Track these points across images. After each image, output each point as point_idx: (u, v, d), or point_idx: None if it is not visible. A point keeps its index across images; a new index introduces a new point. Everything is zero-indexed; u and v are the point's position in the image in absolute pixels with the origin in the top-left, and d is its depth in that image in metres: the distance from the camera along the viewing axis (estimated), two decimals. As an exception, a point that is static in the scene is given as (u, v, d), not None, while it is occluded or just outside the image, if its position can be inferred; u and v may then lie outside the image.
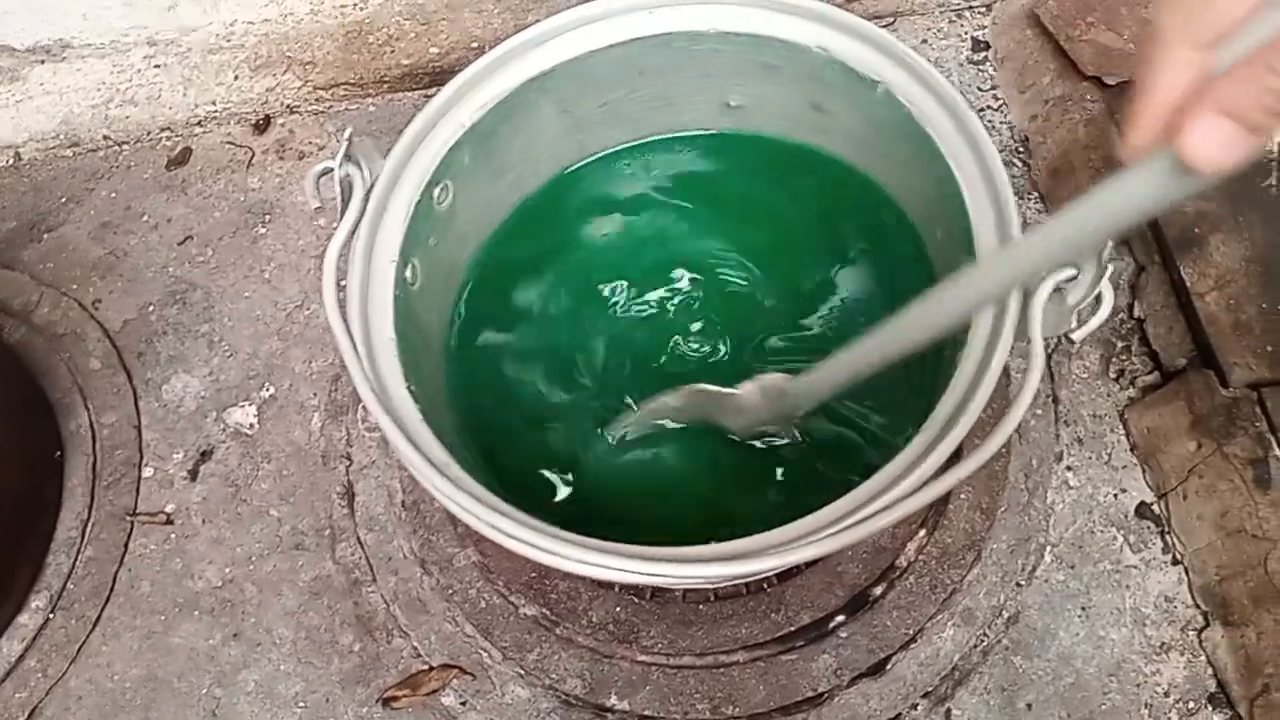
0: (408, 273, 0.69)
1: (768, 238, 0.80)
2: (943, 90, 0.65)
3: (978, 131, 0.63)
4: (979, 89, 0.95)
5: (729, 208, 0.82)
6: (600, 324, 0.78)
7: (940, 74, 0.65)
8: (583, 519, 0.70)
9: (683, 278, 0.79)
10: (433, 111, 0.69)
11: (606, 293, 0.79)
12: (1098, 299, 0.56)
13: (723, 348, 0.76)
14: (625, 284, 0.80)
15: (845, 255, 0.78)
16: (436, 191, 0.71)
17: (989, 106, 0.94)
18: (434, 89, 1.03)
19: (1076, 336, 0.56)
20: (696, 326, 0.77)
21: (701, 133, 0.82)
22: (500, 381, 0.77)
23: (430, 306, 0.72)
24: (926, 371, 0.67)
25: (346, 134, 0.65)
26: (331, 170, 0.65)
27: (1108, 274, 0.55)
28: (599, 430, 0.74)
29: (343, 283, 0.63)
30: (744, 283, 0.78)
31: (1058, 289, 0.57)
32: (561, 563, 0.55)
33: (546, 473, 0.74)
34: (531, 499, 0.72)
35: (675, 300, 0.78)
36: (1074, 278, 0.57)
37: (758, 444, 0.71)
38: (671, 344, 0.76)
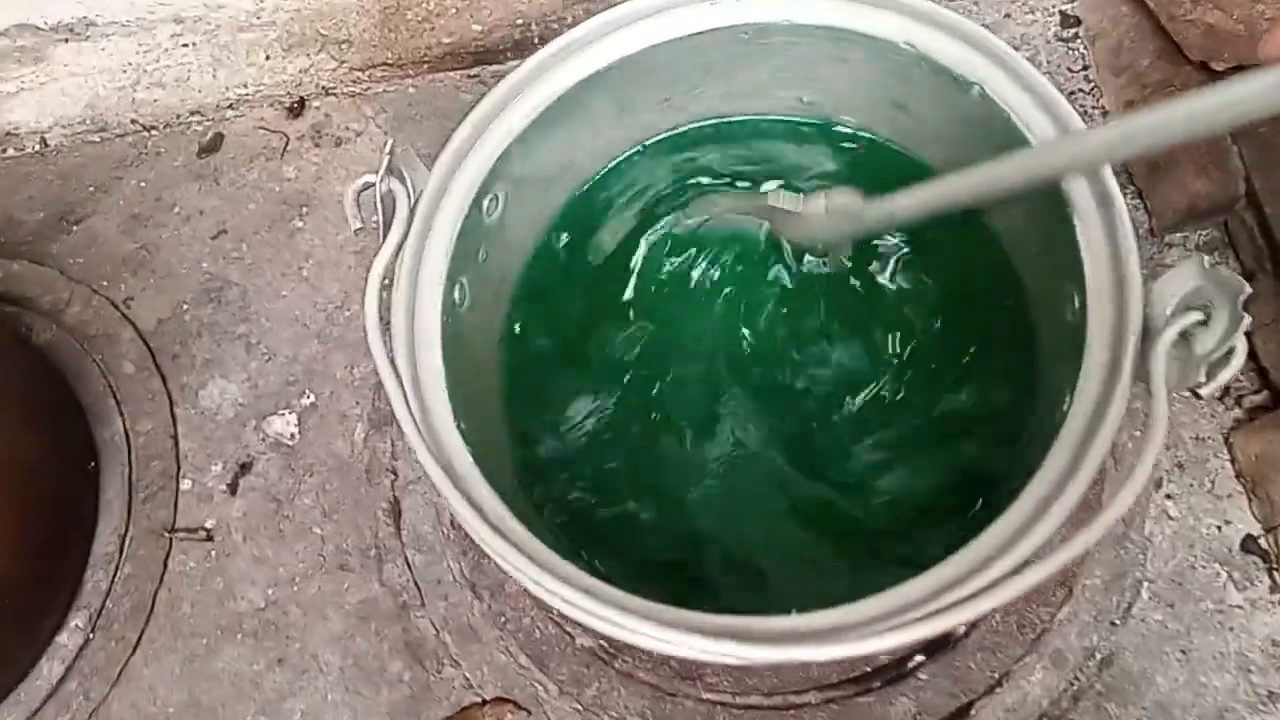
0: (456, 294, 0.63)
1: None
2: (1050, 98, 0.58)
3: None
4: (1069, 69, 0.87)
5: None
6: (661, 331, 0.73)
7: (1047, 79, 0.58)
8: (655, 556, 0.67)
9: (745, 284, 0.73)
10: (480, 117, 0.63)
11: (665, 296, 0.74)
12: (1229, 350, 0.49)
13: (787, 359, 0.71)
14: (688, 284, 0.74)
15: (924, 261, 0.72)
16: (486, 203, 0.65)
17: (1080, 90, 0.86)
18: (477, 69, 0.97)
19: (1205, 393, 0.50)
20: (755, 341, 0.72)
21: (770, 119, 0.75)
22: (554, 394, 0.72)
23: (479, 325, 0.67)
24: (1020, 426, 0.62)
25: (387, 147, 0.59)
26: (372, 185, 0.60)
27: (1245, 323, 0.48)
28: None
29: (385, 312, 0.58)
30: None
31: (1184, 334, 0.51)
32: (634, 637, 0.50)
33: (609, 501, 0.69)
34: (593, 529, 0.69)
35: (742, 314, 0.72)
36: (1204, 321, 0.50)
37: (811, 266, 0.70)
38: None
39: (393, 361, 0.57)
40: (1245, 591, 0.71)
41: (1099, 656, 0.70)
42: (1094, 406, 0.52)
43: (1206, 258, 0.51)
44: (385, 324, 0.58)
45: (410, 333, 0.59)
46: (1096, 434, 0.51)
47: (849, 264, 0.70)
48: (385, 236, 0.60)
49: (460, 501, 0.53)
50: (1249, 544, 0.71)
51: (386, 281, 0.59)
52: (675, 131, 0.75)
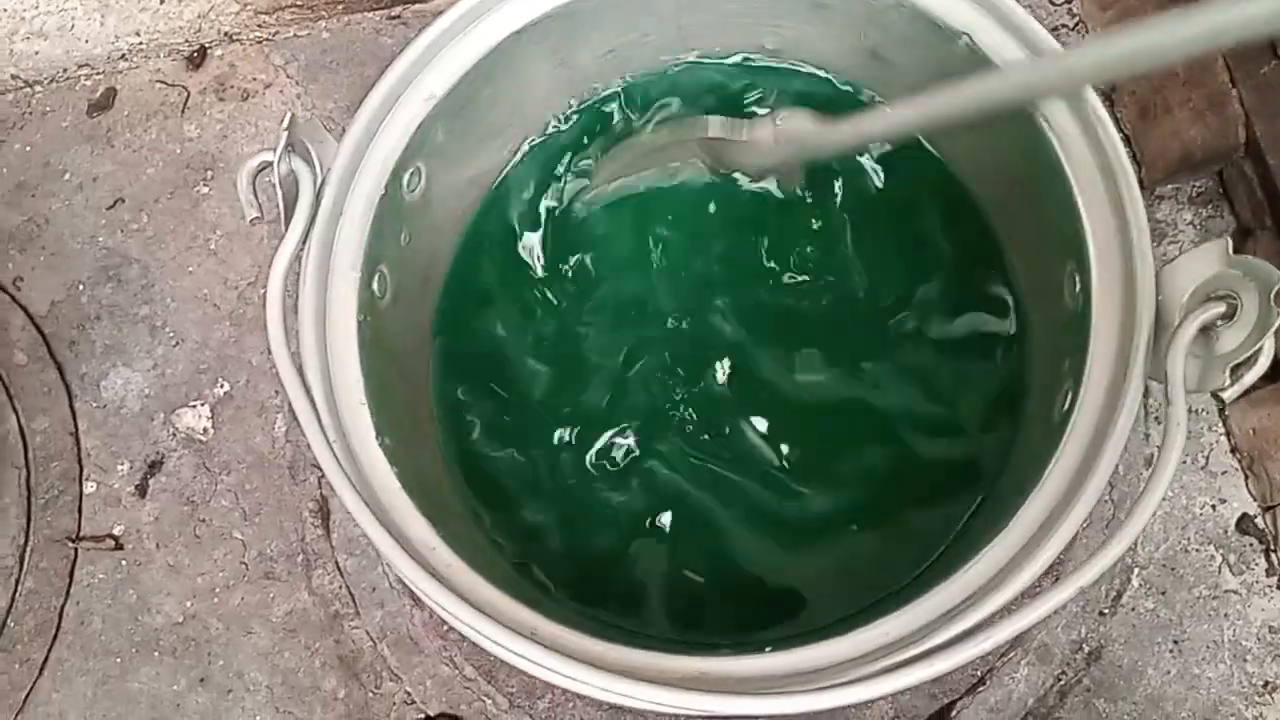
0: (375, 285, 0.56)
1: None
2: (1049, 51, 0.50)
3: (1096, 110, 0.49)
4: (1050, 3, 0.79)
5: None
6: (615, 309, 0.66)
7: (1046, 31, 0.51)
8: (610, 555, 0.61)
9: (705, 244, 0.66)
10: (393, 82, 0.55)
11: (616, 269, 0.66)
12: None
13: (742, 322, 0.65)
14: (641, 258, 0.67)
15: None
16: (406, 178, 0.57)
17: (1063, 25, 0.79)
18: (398, 8, 0.87)
19: (1228, 396, 0.44)
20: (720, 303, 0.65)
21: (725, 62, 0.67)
22: (495, 389, 0.65)
23: (404, 319, 0.60)
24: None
25: (285, 121, 0.51)
26: (270, 165, 0.52)
27: (1278, 320, 0.42)
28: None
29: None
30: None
31: (1205, 329, 0.45)
32: (589, 690, 0.44)
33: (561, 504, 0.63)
34: (543, 531, 0.62)
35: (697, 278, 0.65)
36: (1230, 315, 0.44)
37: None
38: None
39: (303, 377, 0.49)
40: (1241, 575, 0.66)
41: (1086, 649, 0.66)
42: (1097, 418, 0.47)
43: (1229, 240, 0.45)
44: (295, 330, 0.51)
45: (321, 339, 0.51)
46: (1101, 452, 0.45)
47: (803, 193, 0.65)
48: (288, 226, 0.52)
49: (385, 539, 0.46)
50: (1245, 524, 0.67)
51: (295, 278, 0.52)
52: (624, 84, 0.66)
